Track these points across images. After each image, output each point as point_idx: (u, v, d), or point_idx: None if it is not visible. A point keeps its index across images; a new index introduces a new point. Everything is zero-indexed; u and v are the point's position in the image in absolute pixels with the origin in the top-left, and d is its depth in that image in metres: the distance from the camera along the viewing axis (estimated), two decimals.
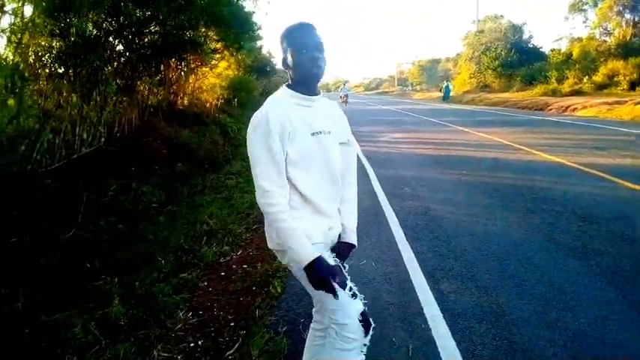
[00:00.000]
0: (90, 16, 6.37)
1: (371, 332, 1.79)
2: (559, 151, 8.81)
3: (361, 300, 1.80)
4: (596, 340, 2.57)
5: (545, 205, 5.22)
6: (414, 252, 3.93)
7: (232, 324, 2.90)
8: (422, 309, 2.92)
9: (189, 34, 9.08)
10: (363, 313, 1.77)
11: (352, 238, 2.01)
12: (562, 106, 20.92)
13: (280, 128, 1.70)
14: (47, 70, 5.88)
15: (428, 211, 5.17)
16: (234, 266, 3.81)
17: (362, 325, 1.76)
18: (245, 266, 3.79)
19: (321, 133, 1.80)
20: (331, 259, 1.83)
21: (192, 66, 11.00)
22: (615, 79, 26.17)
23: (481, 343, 2.55)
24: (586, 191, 5.83)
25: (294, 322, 2.87)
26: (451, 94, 36.92)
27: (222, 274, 3.67)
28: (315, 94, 1.85)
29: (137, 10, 7.34)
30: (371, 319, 1.80)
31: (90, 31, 6.61)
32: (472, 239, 4.22)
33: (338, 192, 1.93)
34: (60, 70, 6.34)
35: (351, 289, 1.77)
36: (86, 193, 5.37)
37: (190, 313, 3.02)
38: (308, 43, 1.76)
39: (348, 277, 1.83)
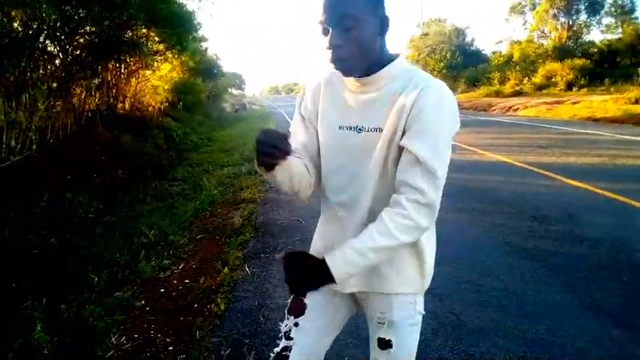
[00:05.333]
0: (14, 14, 5.89)
1: None
2: (506, 151, 8.97)
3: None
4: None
5: (495, 205, 5.22)
6: None
7: (171, 348, 2.63)
8: None
9: (128, 34, 8.65)
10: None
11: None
12: (505, 107, 21.61)
13: None
14: None
15: None
16: (174, 282, 3.53)
17: None
18: (187, 281, 3.52)
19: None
20: None
21: (133, 68, 10.51)
22: (553, 79, 27.37)
23: (438, 358, 2.42)
24: (533, 190, 5.90)
25: (238, 343, 2.63)
26: None
27: (162, 290, 3.39)
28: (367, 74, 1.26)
29: (70, 9, 6.87)
30: None
31: (16, 29, 6.13)
32: None
33: None
34: None
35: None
36: (14, 206, 4.95)
37: (124, 338, 2.73)
38: (322, 16, 1.18)
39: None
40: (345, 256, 1.18)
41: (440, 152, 1.18)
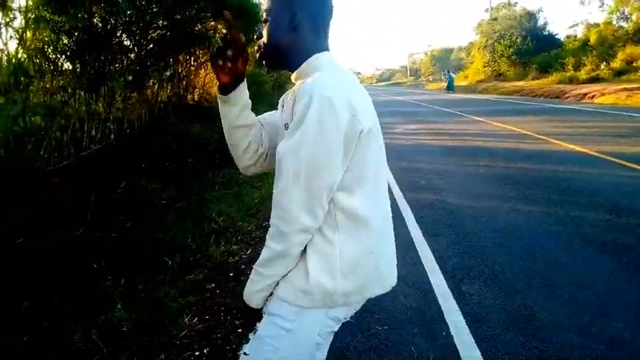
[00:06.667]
0: (95, 9, 6.23)
1: None
2: (580, 140, 8.49)
3: None
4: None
5: (570, 196, 4.97)
6: (431, 250, 3.72)
7: (240, 330, 2.73)
8: (442, 314, 2.72)
9: (198, 27, 8.93)
10: None
11: None
12: (579, 94, 20.40)
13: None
14: (52, 67, 5.76)
15: (446, 205, 4.95)
16: (242, 266, 3.65)
17: None
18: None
19: None
20: None
21: (202, 60, 10.85)
22: (634, 64, 25.48)
23: (509, 353, 2.35)
24: (611, 181, 5.56)
25: None
26: (457, 83, 36.56)
27: (231, 274, 3.51)
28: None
29: (144, 3, 7.18)
30: None
31: (96, 26, 6.49)
32: (494, 235, 4.00)
33: None
34: (66, 66, 6.24)
35: None
36: (95, 191, 5.27)
37: (196, 319, 2.86)
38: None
39: None
40: None
41: None
